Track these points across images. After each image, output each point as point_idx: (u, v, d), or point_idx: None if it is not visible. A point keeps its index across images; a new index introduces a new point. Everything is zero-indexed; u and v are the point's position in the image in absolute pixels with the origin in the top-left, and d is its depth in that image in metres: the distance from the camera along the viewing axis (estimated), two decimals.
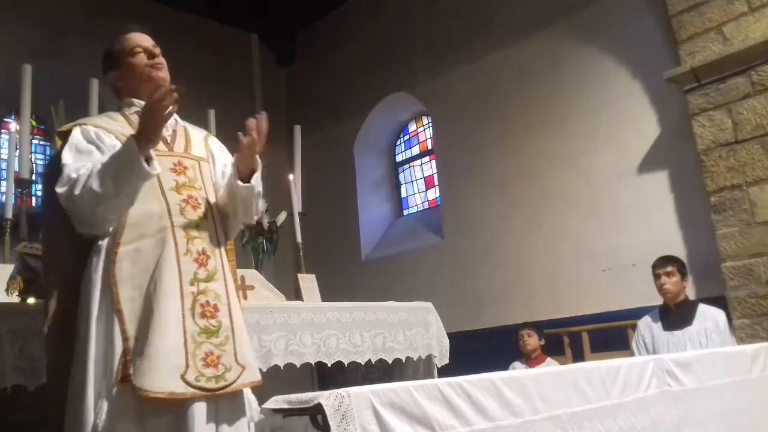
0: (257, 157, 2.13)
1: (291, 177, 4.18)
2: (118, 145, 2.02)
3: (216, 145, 2.35)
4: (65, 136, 2.09)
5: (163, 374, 1.83)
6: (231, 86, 7.89)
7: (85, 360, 1.88)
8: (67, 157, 2.00)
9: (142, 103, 2.14)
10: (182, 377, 1.85)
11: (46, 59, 6.13)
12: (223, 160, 2.30)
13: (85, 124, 2.10)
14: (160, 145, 2.12)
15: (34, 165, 6.86)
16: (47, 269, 2.24)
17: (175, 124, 2.24)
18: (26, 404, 2.39)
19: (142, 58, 2.18)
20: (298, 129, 4.49)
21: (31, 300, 2.55)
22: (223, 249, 2.13)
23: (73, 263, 2.02)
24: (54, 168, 2.10)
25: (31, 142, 5.46)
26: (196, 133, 2.32)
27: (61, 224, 2.01)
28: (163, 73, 2.21)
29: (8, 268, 2.75)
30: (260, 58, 8.75)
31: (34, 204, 6.72)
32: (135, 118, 2.13)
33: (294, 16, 8.31)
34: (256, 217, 2.27)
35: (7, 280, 2.65)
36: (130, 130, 2.08)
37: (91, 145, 2.03)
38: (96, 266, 1.97)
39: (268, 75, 8.81)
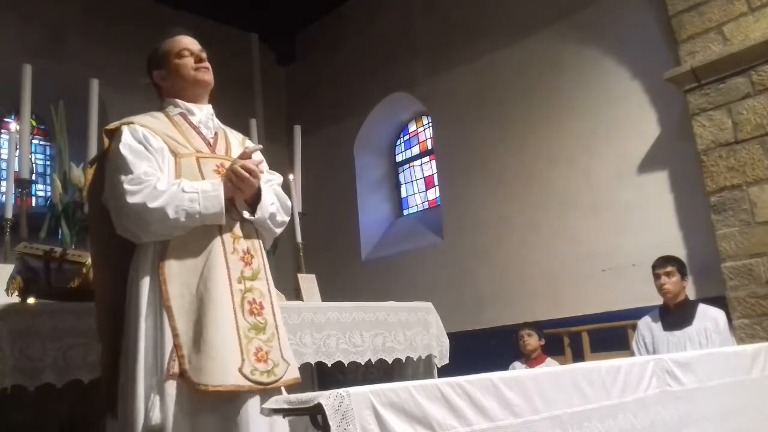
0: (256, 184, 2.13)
1: (291, 177, 4.18)
2: (164, 147, 2.08)
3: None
4: (112, 134, 2.12)
5: (222, 368, 1.89)
6: (231, 86, 7.85)
7: (135, 355, 1.92)
8: (128, 155, 2.03)
9: (187, 104, 2.24)
10: (240, 371, 1.91)
11: (46, 59, 6.13)
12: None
13: (132, 123, 2.13)
14: (203, 147, 2.19)
15: (34, 165, 6.86)
16: (95, 264, 2.28)
17: (217, 126, 2.29)
18: (26, 404, 2.39)
19: (189, 61, 2.24)
20: (298, 129, 4.50)
21: (31, 300, 2.55)
22: (263, 249, 2.19)
23: (120, 260, 2.07)
24: (102, 168, 2.13)
25: (31, 142, 5.45)
26: (234, 136, 2.37)
27: (108, 223, 2.05)
28: (209, 77, 2.28)
29: (8, 268, 2.75)
30: (260, 57, 8.74)
31: (34, 204, 6.73)
32: (178, 119, 2.20)
33: (294, 16, 8.30)
34: (279, 230, 2.30)
35: (7, 280, 2.65)
36: (174, 131, 2.15)
37: (140, 145, 2.06)
38: (144, 263, 2.01)
39: (268, 75, 8.81)
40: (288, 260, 5.12)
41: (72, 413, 2.48)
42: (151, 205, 1.93)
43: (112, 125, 2.15)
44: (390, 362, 3.25)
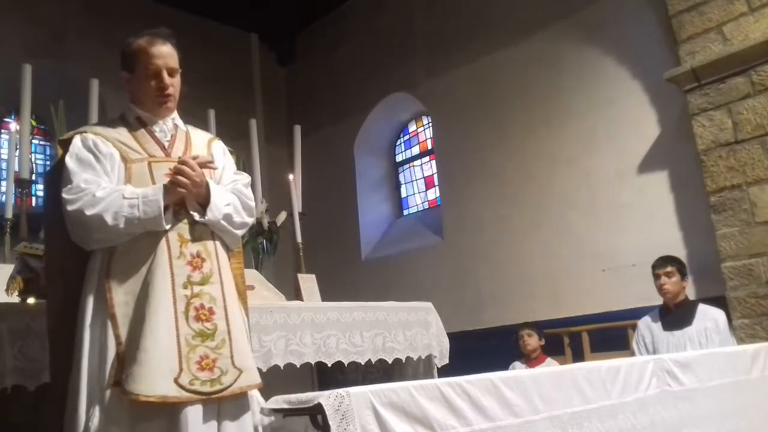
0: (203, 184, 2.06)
1: (291, 177, 4.19)
2: (115, 154, 2.07)
3: (218, 149, 2.33)
4: (66, 144, 2.12)
5: (155, 378, 1.82)
6: (231, 86, 7.89)
7: (79, 364, 1.90)
8: (72, 164, 2.04)
9: (145, 114, 2.20)
10: (176, 381, 1.85)
11: (46, 59, 6.13)
12: (222, 164, 2.29)
13: (84, 132, 2.13)
14: (157, 151, 2.15)
15: (34, 165, 6.86)
16: (49, 274, 2.25)
17: (174, 129, 2.23)
18: (26, 404, 2.39)
19: (153, 87, 2.15)
20: (298, 129, 4.50)
21: (31, 300, 2.55)
22: (221, 251, 2.11)
23: (75, 268, 2.04)
24: (56, 175, 2.12)
25: (31, 142, 5.45)
26: (200, 137, 2.31)
27: (64, 231, 2.03)
28: (170, 104, 2.20)
29: (8, 268, 2.75)
30: (260, 58, 8.74)
31: (34, 204, 6.73)
32: (134, 125, 2.18)
33: (294, 16, 8.30)
34: (240, 231, 2.22)
35: (7, 280, 2.65)
36: (128, 137, 2.13)
37: (90, 153, 2.06)
38: (92, 271, 2.00)
39: (268, 75, 8.81)
40: (288, 260, 5.12)
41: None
42: (89, 212, 1.93)
43: (66, 135, 2.16)
44: (390, 362, 3.26)
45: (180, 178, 2.00)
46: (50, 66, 5.98)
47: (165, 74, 2.14)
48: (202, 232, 2.07)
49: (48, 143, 7.30)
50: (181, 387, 1.85)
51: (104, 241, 1.98)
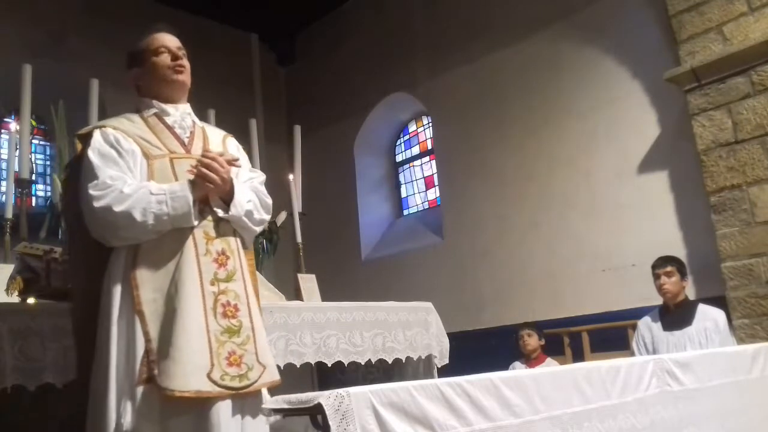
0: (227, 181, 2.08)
1: (291, 177, 4.19)
2: (136, 150, 2.06)
3: (233, 145, 2.35)
4: (85, 139, 2.10)
5: (189, 373, 1.85)
6: (231, 86, 7.88)
7: (107, 361, 1.90)
8: (95, 159, 2.02)
9: (162, 105, 2.20)
10: (208, 376, 1.88)
11: (46, 59, 6.12)
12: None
13: (104, 127, 2.11)
14: (178, 147, 2.15)
15: (34, 165, 6.86)
16: (71, 271, 2.25)
17: (192, 125, 2.25)
18: (26, 404, 2.40)
19: (165, 59, 2.18)
20: (298, 129, 4.50)
21: (31, 300, 2.55)
22: (241, 249, 2.13)
23: (97, 264, 2.04)
24: (75, 172, 2.11)
25: (31, 142, 5.45)
26: (215, 134, 2.33)
27: (84, 228, 2.03)
28: (184, 77, 2.22)
29: (8, 268, 2.75)
30: (260, 58, 8.74)
31: (34, 204, 6.73)
32: (153, 120, 2.17)
33: (294, 16, 8.30)
34: (258, 228, 2.24)
35: (7, 280, 2.65)
36: (148, 133, 2.12)
37: (112, 149, 2.05)
38: (116, 268, 1.99)
39: (268, 75, 8.81)
40: (288, 260, 5.12)
41: (72, 413, 2.48)
42: (117, 208, 1.91)
43: (84, 130, 2.14)
44: (390, 362, 3.25)
45: (208, 172, 2.01)
46: (50, 66, 5.98)
47: (176, 49, 2.20)
48: (225, 229, 2.09)
49: (48, 143, 7.30)
50: (213, 382, 1.88)
51: (129, 239, 1.97)
